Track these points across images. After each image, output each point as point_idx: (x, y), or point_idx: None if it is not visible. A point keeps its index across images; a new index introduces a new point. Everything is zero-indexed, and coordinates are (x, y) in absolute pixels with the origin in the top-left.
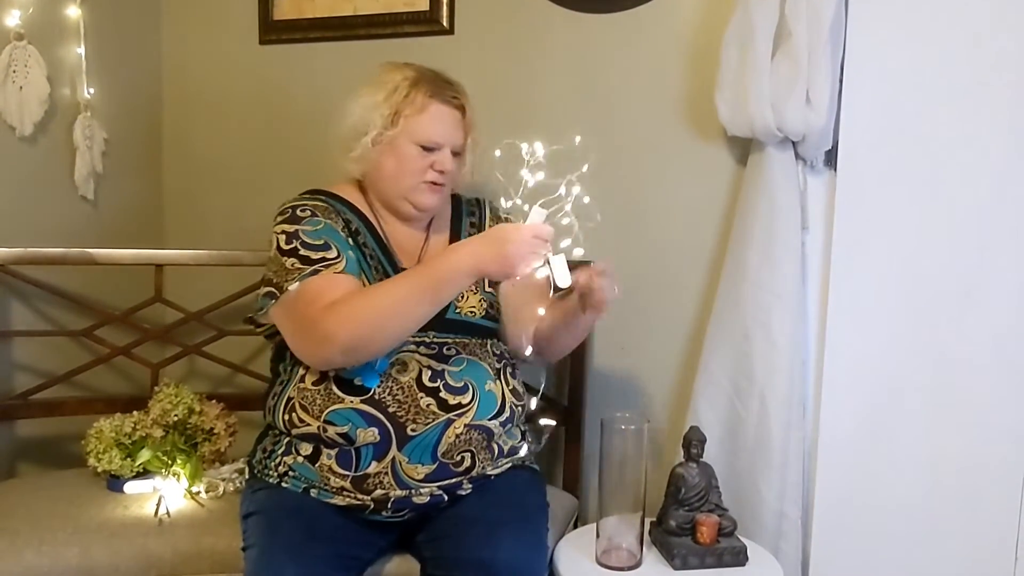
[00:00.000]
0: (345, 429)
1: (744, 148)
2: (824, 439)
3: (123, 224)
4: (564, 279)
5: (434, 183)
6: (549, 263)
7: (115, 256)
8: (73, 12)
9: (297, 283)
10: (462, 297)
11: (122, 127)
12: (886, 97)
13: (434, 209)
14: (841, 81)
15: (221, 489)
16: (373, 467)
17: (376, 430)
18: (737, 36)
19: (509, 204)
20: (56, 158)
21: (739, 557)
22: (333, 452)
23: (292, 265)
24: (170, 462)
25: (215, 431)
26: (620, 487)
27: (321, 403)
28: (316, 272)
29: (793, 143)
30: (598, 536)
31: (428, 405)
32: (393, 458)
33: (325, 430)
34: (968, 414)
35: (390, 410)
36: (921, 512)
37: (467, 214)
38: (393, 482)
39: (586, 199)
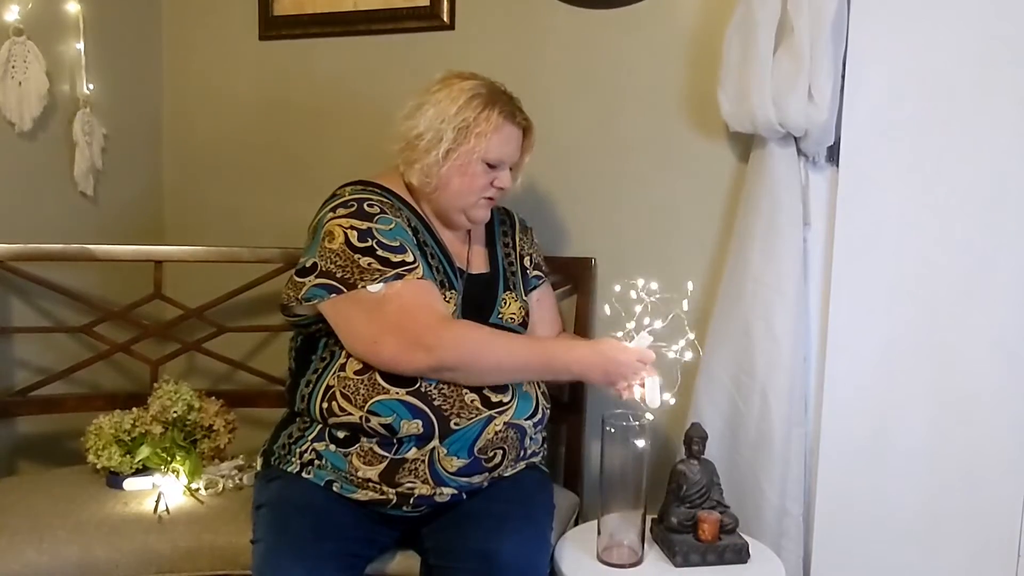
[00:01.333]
0: (389, 420)
1: (746, 144)
2: (826, 436)
3: (123, 220)
4: (654, 401)
5: (490, 198)
6: (644, 384)
7: (114, 252)
8: (72, 8)
9: (381, 285)
10: (505, 303)
11: (122, 123)
12: (888, 92)
13: (484, 221)
14: (843, 76)
15: (220, 486)
16: (412, 453)
17: (420, 422)
18: (739, 31)
19: (620, 334)
20: (56, 154)
21: (741, 554)
22: (373, 440)
23: (369, 264)
24: (169, 459)
25: (214, 428)
26: (621, 484)
27: (365, 393)
28: (399, 276)
29: (795, 139)
30: (599, 533)
31: (472, 401)
32: (433, 448)
33: (368, 420)
34: (970, 410)
35: (435, 403)
36: (923, 508)
37: (499, 223)
38: (427, 472)
39: (690, 335)
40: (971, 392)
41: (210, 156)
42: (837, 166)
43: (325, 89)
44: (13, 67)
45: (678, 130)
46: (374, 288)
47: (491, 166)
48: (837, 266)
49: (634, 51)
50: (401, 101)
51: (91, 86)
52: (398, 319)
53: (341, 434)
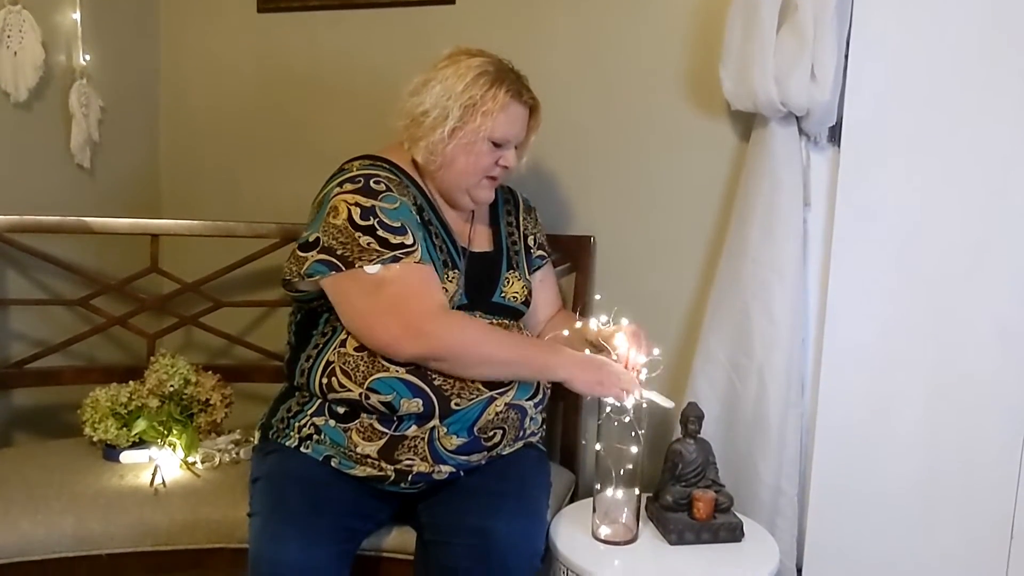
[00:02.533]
0: (389, 398)
1: (747, 123)
2: (822, 416)
3: (119, 193)
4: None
5: (494, 178)
6: (643, 399)
7: (111, 225)
8: None
9: (379, 266)
10: (508, 282)
11: (119, 95)
12: (891, 73)
13: (488, 201)
14: (846, 56)
15: (217, 460)
16: (412, 430)
17: (420, 401)
18: (742, 9)
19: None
20: (52, 126)
21: (735, 533)
22: (373, 416)
23: (368, 244)
24: (166, 432)
25: (211, 402)
26: (617, 462)
27: (365, 370)
28: (396, 259)
29: (797, 118)
30: (595, 511)
31: (473, 381)
32: (433, 427)
33: (367, 397)
34: (966, 392)
35: (435, 383)
36: (917, 490)
37: (503, 202)
38: (427, 449)
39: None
40: (968, 374)
41: (207, 129)
42: (839, 147)
43: (324, 62)
44: (8, 37)
45: (679, 108)
46: (371, 269)
47: (496, 145)
48: (836, 247)
49: (636, 28)
50: (401, 75)
51: (87, 57)
52: (394, 304)
53: (341, 409)
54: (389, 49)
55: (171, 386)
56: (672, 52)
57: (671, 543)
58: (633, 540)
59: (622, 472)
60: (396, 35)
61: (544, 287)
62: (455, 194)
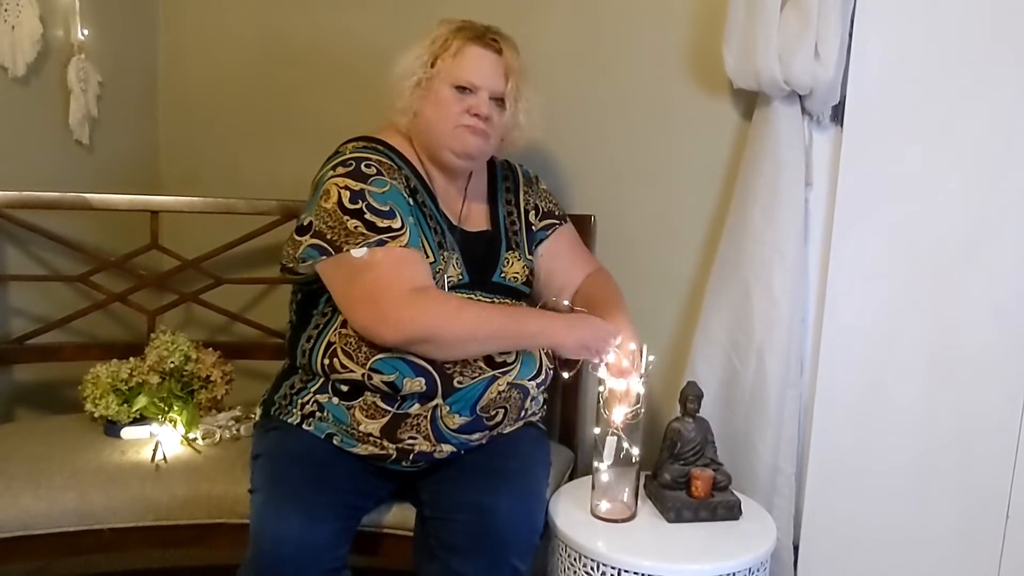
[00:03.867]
0: (392, 378)
1: (750, 102)
2: (821, 396)
3: (119, 170)
4: (609, 458)
5: (473, 128)
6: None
7: (110, 202)
8: None
9: (365, 249)
10: (508, 263)
11: (118, 71)
12: (896, 52)
13: (475, 155)
14: (850, 35)
15: (218, 436)
16: (415, 409)
17: (423, 380)
18: None
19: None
20: (50, 101)
21: (733, 511)
22: (376, 394)
23: (355, 228)
24: (167, 408)
25: (211, 379)
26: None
27: (367, 350)
28: (382, 243)
29: (800, 97)
30: (594, 488)
31: (476, 360)
32: (436, 405)
33: (370, 377)
34: (965, 373)
35: (438, 362)
36: (915, 469)
37: (502, 178)
38: (429, 428)
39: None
40: (966, 354)
41: (208, 105)
42: (841, 126)
43: (325, 38)
44: (6, 11)
45: (681, 87)
46: (357, 253)
47: (464, 90)
48: (838, 228)
49: (637, 5)
50: (401, 51)
51: (86, 32)
52: (371, 290)
53: (344, 387)
54: (389, 25)
55: (171, 363)
56: (674, 29)
57: (669, 521)
58: (631, 518)
59: (622, 455)
60: (400, 11)
61: (563, 248)
62: (438, 152)
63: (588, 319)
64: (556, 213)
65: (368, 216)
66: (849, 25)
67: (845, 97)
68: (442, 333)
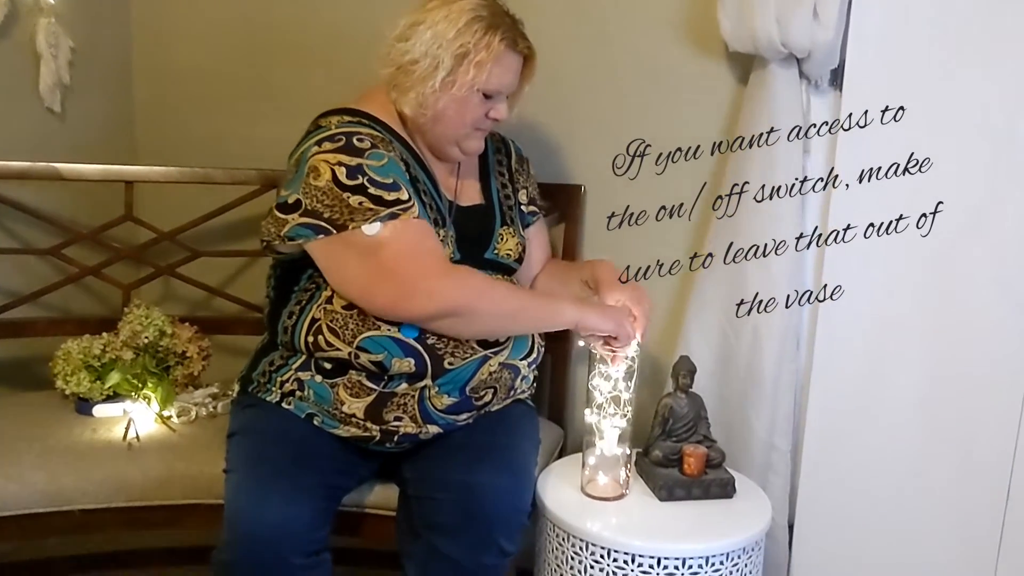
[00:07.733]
0: (380, 357)
1: (745, 65)
2: (817, 372)
3: (92, 139)
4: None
5: (484, 129)
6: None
7: (83, 172)
8: None
9: (378, 225)
10: (502, 239)
11: (90, 36)
12: (897, 14)
13: (478, 152)
14: None
15: (193, 414)
16: (402, 388)
17: (412, 360)
18: None
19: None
20: (19, 67)
21: (726, 489)
22: (362, 373)
23: (360, 204)
24: (141, 385)
25: (188, 354)
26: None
27: (354, 328)
28: (394, 216)
29: (798, 60)
30: (583, 466)
31: (467, 340)
32: (424, 386)
33: (357, 356)
34: (966, 348)
35: (429, 342)
36: (912, 447)
37: (494, 151)
38: (416, 408)
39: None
40: (969, 331)
41: (184, 72)
42: (840, 90)
43: (305, 4)
44: None
45: (674, 50)
46: (370, 230)
47: (488, 96)
48: (836, 197)
49: None
50: (384, 19)
51: None
52: (395, 264)
53: (328, 365)
54: None
55: (145, 338)
56: None
57: (661, 499)
58: (622, 496)
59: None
60: None
61: (535, 244)
62: (444, 146)
63: (609, 307)
64: (538, 201)
65: (372, 191)
66: None
67: (844, 60)
68: (473, 306)
